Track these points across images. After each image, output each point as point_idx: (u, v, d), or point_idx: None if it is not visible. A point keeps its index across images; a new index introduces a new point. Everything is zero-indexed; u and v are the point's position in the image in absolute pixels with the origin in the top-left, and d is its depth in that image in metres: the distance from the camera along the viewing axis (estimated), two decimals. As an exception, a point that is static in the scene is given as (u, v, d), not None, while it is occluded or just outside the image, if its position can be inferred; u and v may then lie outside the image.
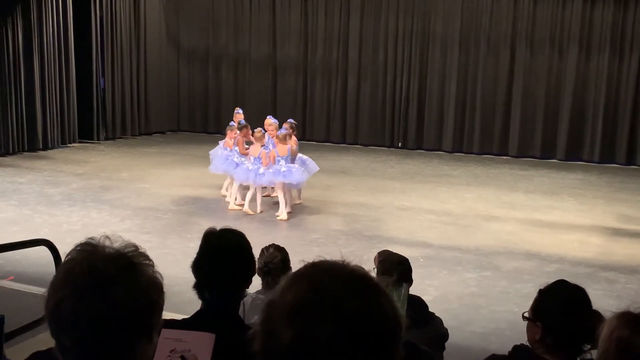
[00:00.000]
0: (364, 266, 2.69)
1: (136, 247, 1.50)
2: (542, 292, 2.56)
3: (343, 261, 1.18)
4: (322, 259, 1.19)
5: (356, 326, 1.08)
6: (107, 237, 1.50)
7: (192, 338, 2.06)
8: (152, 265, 1.49)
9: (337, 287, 1.11)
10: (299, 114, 16.79)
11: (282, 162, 9.34)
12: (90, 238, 1.50)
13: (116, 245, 1.48)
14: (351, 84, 16.49)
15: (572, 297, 2.51)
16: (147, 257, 1.50)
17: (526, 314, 2.56)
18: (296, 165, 9.51)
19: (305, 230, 8.99)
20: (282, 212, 9.36)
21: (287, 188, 9.54)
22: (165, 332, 1.99)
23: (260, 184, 9.58)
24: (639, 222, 9.76)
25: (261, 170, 9.41)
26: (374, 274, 3.07)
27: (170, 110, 17.84)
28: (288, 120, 10.23)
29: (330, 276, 1.14)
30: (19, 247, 5.64)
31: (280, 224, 9.19)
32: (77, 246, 1.48)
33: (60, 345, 1.43)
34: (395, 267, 3.83)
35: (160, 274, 1.50)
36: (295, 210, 9.92)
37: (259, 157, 9.49)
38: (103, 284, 1.40)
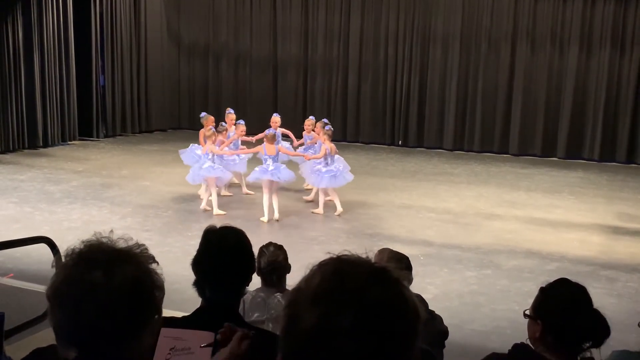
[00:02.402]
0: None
1: (142, 248, 1.50)
2: (543, 290, 2.56)
3: (366, 256, 1.22)
4: (347, 252, 1.22)
5: (378, 314, 1.10)
6: (121, 238, 1.52)
7: (192, 336, 2.06)
8: (153, 265, 1.48)
9: (360, 276, 1.15)
10: (299, 111, 16.80)
11: (270, 161, 9.20)
12: (101, 234, 1.52)
13: (123, 242, 1.50)
14: (352, 81, 16.48)
15: (573, 296, 2.51)
16: (151, 258, 1.50)
17: (527, 312, 2.56)
18: (284, 165, 9.37)
19: (306, 228, 8.99)
20: (267, 215, 9.17)
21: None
22: (165, 331, 1.99)
23: (206, 176, 9.42)
24: (639, 220, 9.76)
25: (206, 165, 9.30)
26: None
27: (171, 107, 17.85)
28: (322, 120, 10.68)
29: (354, 266, 1.17)
30: (20, 245, 5.63)
31: (280, 223, 9.18)
32: (86, 240, 1.52)
33: (54, 330, 1.46)
34: (395, 265, 3.82)
35: (160, 277, 1.49)
36: (296, 209, 9.92)
37: (206, 154, 9.42)
38: (83, 268, 1.42)
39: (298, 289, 1.17)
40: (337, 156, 9.66)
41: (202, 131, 10.10)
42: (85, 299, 1.39)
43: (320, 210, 9.57)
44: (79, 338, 1.42)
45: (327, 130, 9.66)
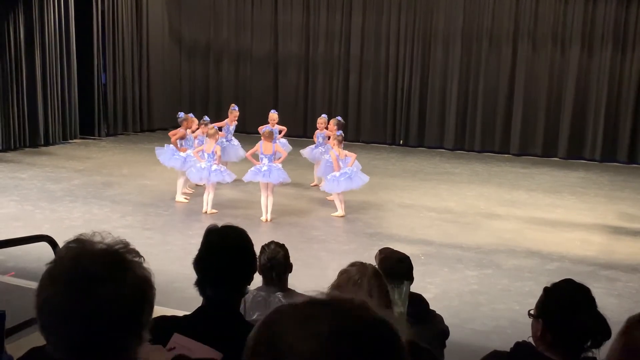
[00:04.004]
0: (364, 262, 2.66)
1: (125, 244, 1.48)
2: (546, 290, 2.58)
3: (352, 300, 1.00)
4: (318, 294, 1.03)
5: None
6: (96, 233, 1.48)
7: (201, 351, 2.06)
8: (142, 262, 1.47)
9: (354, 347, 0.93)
10: (300, 110, 16.82)
11: (265, 160, 9.12)
12: (80, 235, 1.49)
13: (105, 242, 1.46)
14: (353, 80, 16.48)
15: (574, 296, 2.52)
16: (137, 254, 1.48)
17: (532, 311, 2.58)
18: (278, 165, 9.20)
19: (306, 227, 8.99)
20: (264, 215, 9.14)
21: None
22: (177, 337, 1.98)
23: (214, 181, 9.35)
24: (640, 220, 9.76)
25: (213, 167, 9.27)
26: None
27: (172, 106, 17.80)
28: (337, 117, 10.70)
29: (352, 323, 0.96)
30: (20, 243, 5.63)
31: (281, 222, 9.18)
32: (65, 244, 1.47)
33: (49, 342, 1.43)
34: (396, 265, 3.83)
35: (150, 271, 1.49)
36: (296, 208, 9.92)
37: (212, 153, 9.34)
38: (89, 283, 1.39)
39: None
40: (348, 158, 9.61)
41: (180, 131, 10.12)
42: (92, 314, 1.37)
43: (340, 212, 9.46)
44: (82, 350, 1.40)
45: (337, 136, 9.66)
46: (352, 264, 2.53)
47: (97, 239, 1.47)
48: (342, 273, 2.49)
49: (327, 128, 10.85)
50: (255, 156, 9.46)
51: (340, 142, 9.56)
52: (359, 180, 9.50)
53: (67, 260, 1.43)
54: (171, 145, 10.15)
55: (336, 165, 9.37)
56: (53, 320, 1.40)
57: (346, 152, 9.67)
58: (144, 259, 1.49)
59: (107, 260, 1.43)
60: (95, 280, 1.39)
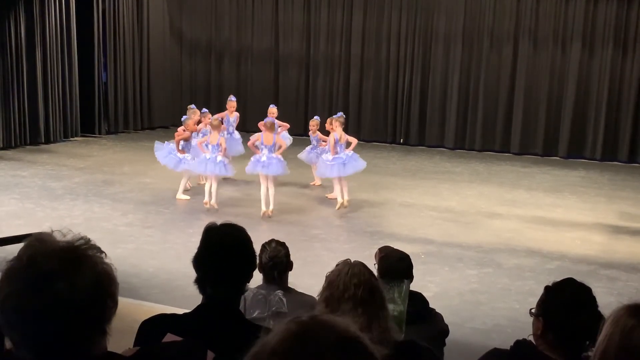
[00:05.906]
0: (365, 262, 2.68)
1: (86, 240, 1.49)
2: (547, 289, 2.59)
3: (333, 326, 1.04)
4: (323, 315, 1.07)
5: None
6: (57, 231, 1.49)
7: None
8: (103, 258, 1.48)
9: (326, 342, 1.00)
10: (300, 109, 16.81)
11: (265, 150, 9.09)
12: (41, 232, 1.50)
13: (66, 239, 1.47)
14: (353, 79, 16.47)
15: (575, 295, 2.53)
16: (98, 250, 1.49)
17: (533, 310, 2.59)
18: (277, 156, 9.15)
19: (307, 226, 9.00)
20: (264, 206, 9.14)
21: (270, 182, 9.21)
22: (170, 338, 1.99)
23: (217, 173, 9.31)
24: (640, 220, 9.76)
25: (218, 159, 9.27)
26: (374, 270, 3.06)
27: (173, 104, 17.83)
28: (339, 113, 10.58)
29: (324, 329, 1.03)
30: (22, 241, 5.64)
31: (281, 221, 9.18)
32: (26, 242, 1.49)
33: (12, 341, 1.44)
34: (396, 263, 3.83)
35: (112, 266, 1.50)
36: (297, 206, 9.92)
37: (217, 145, 9.33)
38: (43, 280, 1.40)
39: (255, 352, 1.03)
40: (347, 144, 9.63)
41: (185, 133, 10.08)
42: (49, 311, 1.38)
43: (335, 194, 9.55)
44: (43, 347, 1.40)
45: (339, 117, 9.63)
46: (338, 264, 2.55)
47: (58, 236, 1.48)
48: (331, 273, 2.52)
49: (320, 130, 10.86)
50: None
51: (342, 123, 9.52)
52: (352, 167, 9.46)
53: (24, 259, 1.45)
54: (172, 143, 10.14)
55: (332, 149, 9.36)
56: (12, 319, 1.41)
57: (347, 136, 9.65)
58: (105, 255, 1.50)
59: (62, 256, 1.43)
60: (50, 277, 1.40)
